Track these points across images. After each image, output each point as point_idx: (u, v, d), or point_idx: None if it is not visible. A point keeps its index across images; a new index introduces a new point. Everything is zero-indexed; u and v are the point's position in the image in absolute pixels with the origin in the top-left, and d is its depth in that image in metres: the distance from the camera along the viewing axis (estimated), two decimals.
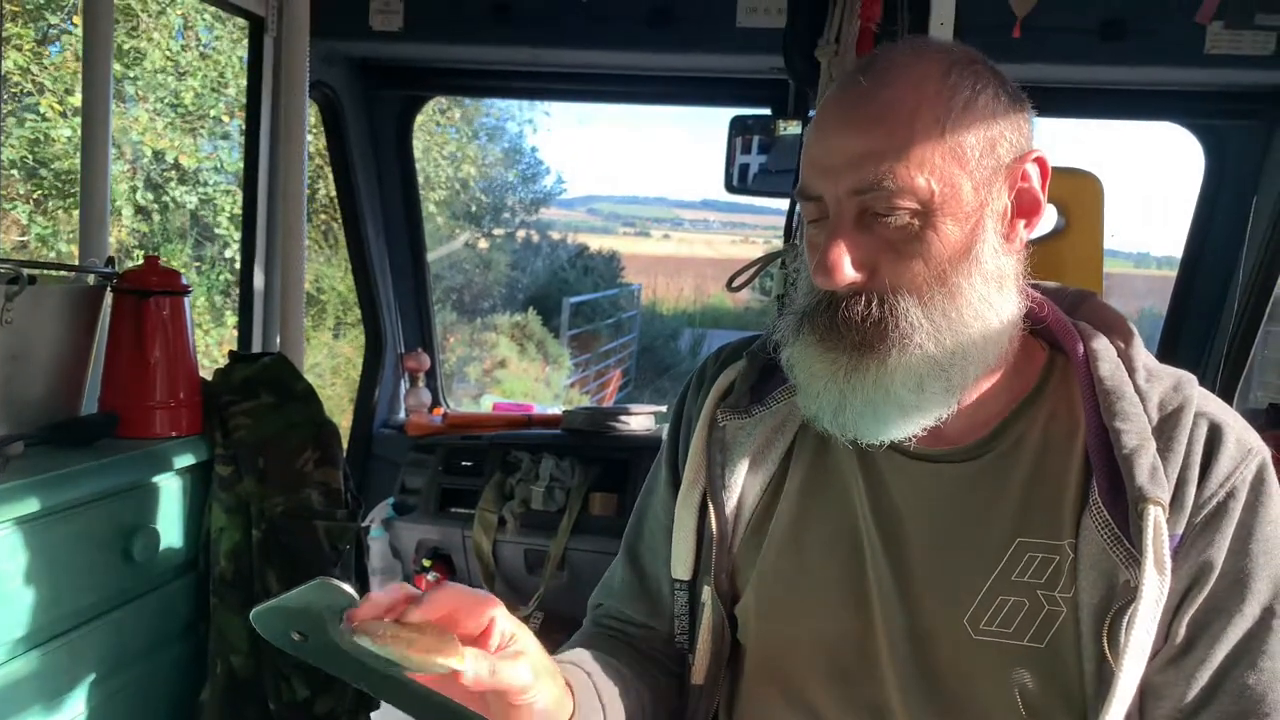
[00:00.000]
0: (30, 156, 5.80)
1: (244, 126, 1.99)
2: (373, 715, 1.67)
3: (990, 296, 0.83)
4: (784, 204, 2.07)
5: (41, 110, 5.69)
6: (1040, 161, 0.87)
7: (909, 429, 0.85)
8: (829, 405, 0.84)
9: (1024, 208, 0.87)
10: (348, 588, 0.71)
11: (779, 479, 0.95)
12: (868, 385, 0.82)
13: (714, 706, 0.96)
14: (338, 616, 0.71)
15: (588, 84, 2.57)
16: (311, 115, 2.40)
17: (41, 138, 5.76)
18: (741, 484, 0.94)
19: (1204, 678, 0.82)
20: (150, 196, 6.46)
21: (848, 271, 0.81)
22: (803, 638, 0.91)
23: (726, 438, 0.95)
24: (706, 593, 0.94)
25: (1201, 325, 2.39)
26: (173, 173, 6.49)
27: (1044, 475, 0.87)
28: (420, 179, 2.79)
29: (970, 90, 0.83)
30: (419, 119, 2.72)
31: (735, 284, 1.41)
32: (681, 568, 0.96)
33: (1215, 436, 0.84)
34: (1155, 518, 0.79)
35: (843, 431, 0.86)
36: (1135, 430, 0.82)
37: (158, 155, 6.28)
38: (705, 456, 0.96)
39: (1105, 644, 0.80)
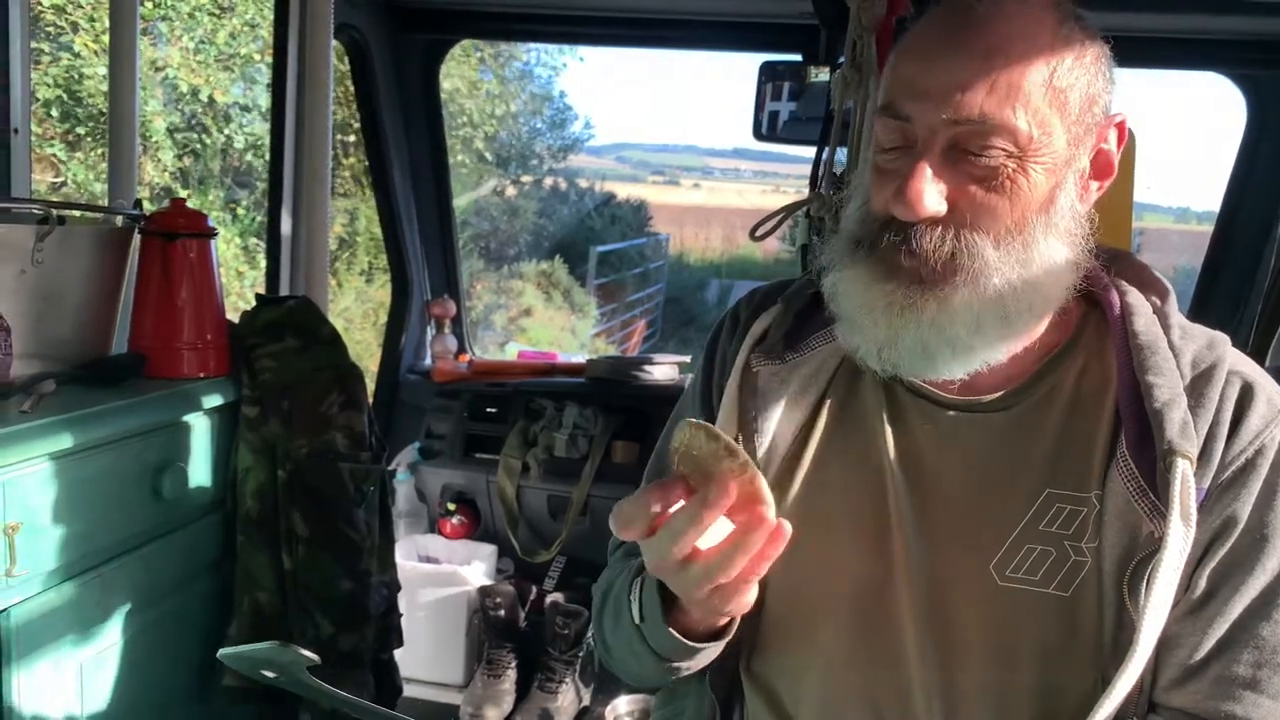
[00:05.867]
0: (65, 95, 5.80)
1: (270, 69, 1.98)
2: (395, 654, 1.70)
3: (1058, 253, 0.83)
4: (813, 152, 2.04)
5: (76, 49, 5.68)
6: (1120, 126, 0.87)
7: (956, 370, 0.85)
8: (876, 339, 0.84)
9: (1099, 170, 0.87)
10: (305, 651, 0.92)
11: (810, 424, 0.95)
12: (923, 322, 0.81)
13: (735, 644, 0.96)
14: (303, 668, 0.92)
15: (617, 28, 2.53)
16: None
17: (76, 76, 5.76)
18: (774, 430, 0.94)
19: (1220, 629, 0.82)
20: (190, 137, 6.46)
21: (931, 204, 0.79)
22: (820, 581, 0.91)
23: (760, 384, 0.95)
24: None
25: (1236, 282, 2.35)
26: (208, 110, 6.48)
27: (1075, 428, 0.87)
28: (464, 119, 2.75)
29: (1080, 45, 0.82)
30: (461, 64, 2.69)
31: (758, 233, 1.39)
32: None
33: (1247, 395, 0.84)
34: (1183, 471, 0.79)
35: (886, 367, 0.85)
36: (1168, 385, 0.83)
37: (193, 92, 6.26)
38: (738, 403, 0.96)
39: (1125, 593, 0.80)
